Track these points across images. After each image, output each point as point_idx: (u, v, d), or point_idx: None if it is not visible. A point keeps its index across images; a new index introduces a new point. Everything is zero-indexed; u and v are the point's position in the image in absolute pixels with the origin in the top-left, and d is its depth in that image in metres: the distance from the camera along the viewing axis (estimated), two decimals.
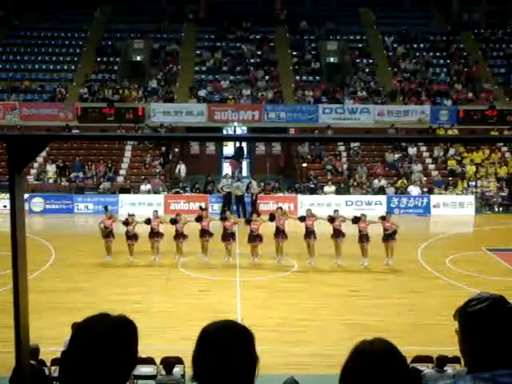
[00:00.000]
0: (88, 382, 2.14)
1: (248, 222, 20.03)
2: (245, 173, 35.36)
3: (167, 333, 13.29)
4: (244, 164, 36.73)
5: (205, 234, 19.48)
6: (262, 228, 19.62)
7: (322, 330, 13.55)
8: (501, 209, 29.09)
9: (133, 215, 20.03)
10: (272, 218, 19.57)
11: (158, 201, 28.08)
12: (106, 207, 21.15)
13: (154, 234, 19.56)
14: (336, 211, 20.03)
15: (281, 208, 20.93)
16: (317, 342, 12.87)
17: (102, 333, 2.16)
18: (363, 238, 18.94)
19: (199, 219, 19.68)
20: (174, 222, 19.50)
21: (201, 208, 22.20)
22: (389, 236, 18.85)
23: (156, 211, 20.77)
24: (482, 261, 19.89)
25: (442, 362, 9.39)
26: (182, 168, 31.33)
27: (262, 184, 29.55)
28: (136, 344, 2.24)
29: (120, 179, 30.77)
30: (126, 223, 19.53)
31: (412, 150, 32.16)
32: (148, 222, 19.62)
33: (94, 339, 2.15)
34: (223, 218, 20.06)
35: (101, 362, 2.12)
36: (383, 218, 19.19)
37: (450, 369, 9.37)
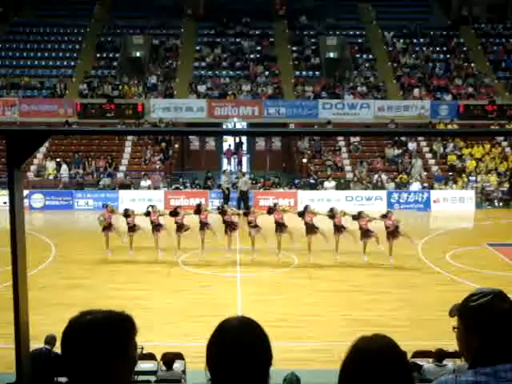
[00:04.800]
0: (86, 380, 2.13)
1: (246, 214, 20.08)
2: (245, 168, 35.38)
3: (168, 328, 13.29)
4: (244, 160, 36.76)
5: (203, 226, 19.51)
6: (262, 223, 19.62)
7: (323, 326, 13.55)
8: (501, 204, 29.09)
9: (132, 211, 20.12)
10: (271, 211, 19.59)
11: (158, 197, 28.09)
12: (106, 205, 21.14)
13: (155, 228, 19.62)
14: (332, 209, 19.84)
15: (278, 204, 20.97)
16: (317, 337, 12.87)
17: (94, 327, 2.15)
18: (363, 235, 18.91)
19: (198, 212, 19.69)
20: (173, 214, 19.54)
21: (199, 205, 22.15)
22: (391, 234, 18.75)
23: (154, 205, 20.77)
24: (482, 256, 19.89)
25: (441, 356, 9.39)
26: None
27: (253, 181, 29.63)
28: (132, 340, 2.23)
29: (120, 175, 30.77)
30: (126, 215, 19.61)
31: (412, 145, 32.15)
32: (148, 214, 19.72)
33: (85, 334, 2.14)
34: (221, 212, 20.07)
35: (95, 359, 2.11)
36: (385, 216, 19.10)
37: (449, 363, 9.38)
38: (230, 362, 2.18)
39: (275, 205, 20.59)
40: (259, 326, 2.31)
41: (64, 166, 30.38)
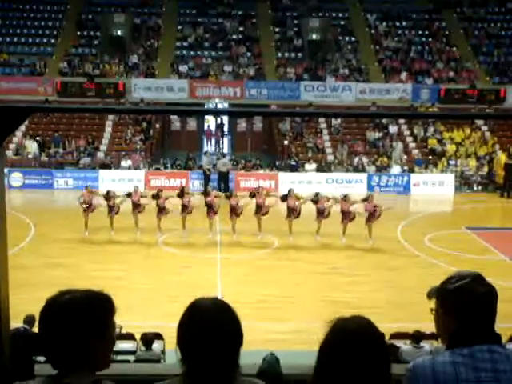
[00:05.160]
0: (64, 359, 2.14)
1: (228, 197, 20.04)
2: (226, 149, 35.32)
3: (147, 309, 13.30)
4: (225, 141, 36.67)
5: (185, 209, 19.50)
6: (245, 206, 19.66)
7: (302, 307, 13.64)
8: (480, 188, 29.33)
9: (113, 192, 20.08)
10: (253, 194, 19.64)
11: (139, 177, 27.97)
12: (86, 187, 21.09)
13: (135, 207, 19.61)
14: (318, 193, 20.05)
15: (261, 187, 21.01)
16: (296, 318, 12.96)
17: (72, 306, 2.15)
18: (345, 218, 19.03)
19: (181, 195, 19.67)
20: (155, 196, 19.50)
21: (182, 188, 22.13)
22: (370, 217, 18.92)
23: (137, 186, 20.88)
24: (460, 239, 20.08)
25: (418, 338, 9.51)
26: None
27: (234, 163, 29.63)
28: (110, 319, 2.23)
29: (100, 155, 30.57)
30: (107, 198, 19.54)
31: (393, 129, 32.24)
32: (129, 195, 19.70)
33: (63, 313, 2.14)
34: (205, 193, 20.09)
35: (72, 338, 2.11)
36: (365, 200, 19.24)
37: (426, 345, 9.49)
38: (201, 342, 2.19)
39: (259, 188, 20.63)
40: (231, 308, 2.32)
41: (34, 144, 29.96)
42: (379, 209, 19.01)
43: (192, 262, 17.27)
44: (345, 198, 19.22)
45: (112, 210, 19.51)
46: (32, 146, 30.10)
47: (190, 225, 19.59)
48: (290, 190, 20.05)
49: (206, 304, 2.29)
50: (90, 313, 2.15)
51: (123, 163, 29.08)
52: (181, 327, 2.27)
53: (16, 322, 8.23)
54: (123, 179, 27.60)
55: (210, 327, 2.20)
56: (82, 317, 2.13)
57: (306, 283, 15.42)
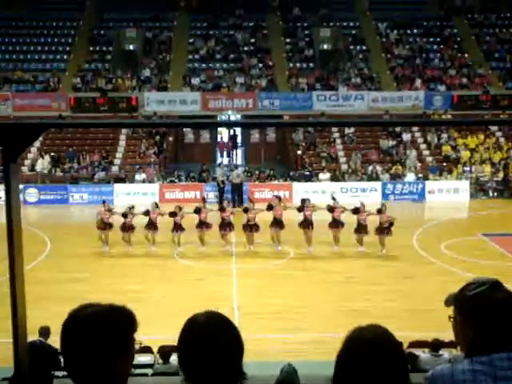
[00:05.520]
0: (86, 374, 2.13)
1: (245, 210, 19.94)
2: (240, 161, 35.36)
3: (164, 322, 13.29)
4: (239, 152, 36.70)
5: (202, 225, 19.46)
6: (259, 216, 19.63)
7: (319, 317, 13.59)
8: (495, 194, 29.15)
9: (132, 207, 20.07)
10: (270, 207, 19.54)
11: (153, 190, 28.06)
12: (103, 202, 21.15)
13: (151, 225, 19.55)
14: (334, 199, 20.04)
15: (279, 197, 20.89)
16: (314, 328, 12.91)
17: (96, 320, 2.14)
18: (361, 228, 18.97)
19: (198, 211, 19.64)
20: (173, 215, 19.47)
21: (203, 199, 22.23)
22: (383, 229, 18.82)
23: (156, 203, 20.72)
24: (477, 246, 19.96)
25: (437, 346, 9.44)
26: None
27: (248, 174, 29.66)
28: (133, 335, 2.22)
29: (114, 169, 30.72)
30: (125, 215, 19.55)
31: (406, 136, 32.15)
32: (147, 213, 19.64)
33: (86, 326, 2.13)
34: (221, 209, 20.00)
35: (96, 354, 2.10)
36: (379, 211, 19.12)
37: (445, 353, 9.42)
38: (199, 358, 2.17)
39: (279, 198, 20.44)
40: (226, 319, 2.29)
41: (45, 159, 30.13)
42: (390, 218, 18.89)
43: (207, 273, 17.27)
44: (357, 209, 19.10)
45: (127, 229, 19.48)
46: (46, 162, 30.29)
47: (206, 237, 19.60)
48: (305, 200, 20.02)
49: (200, 320, 2.26)
50: (114, 327, 2.14)
51: (137, 177, 29.20)
52: (179, 346, 2.26)
53: (31, 337, 8.25)
54: (138, 193, 27.70)
55: (207, 342, 2.18)
56: (106, 331, 2.12)
57: (322, 293, 15.37)
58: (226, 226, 19.39)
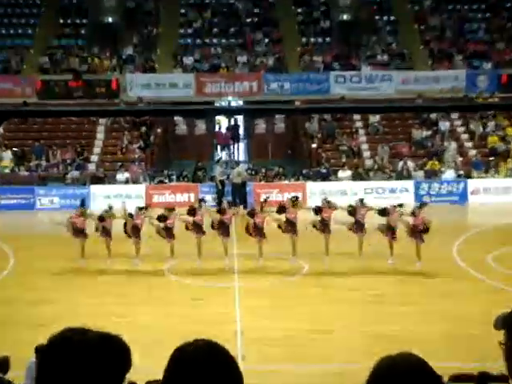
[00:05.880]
0: None
1: (251, 214, 19.86)
2: (242, 157, 35.37)
3: (153, 350, 13.29)
4: (241, 146, 36.71)
5: (197, 229, 19.40)
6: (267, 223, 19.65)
7: (339, 344, 13.57)
8: None
9: (110, 208, 20.07)
10: (282, 209, 19.48)
11: (138, 192, 28.10)
12: (82, 202, 21.14)
13: (136, 231, 19.51)
14: (362, 199, 20.05)
15: (296, 197, 20.91)
16: (332, 358, 12.89)
17: (85, 349, 2.11)
18: (391, 233, 18.92)
19: (192, 212, 19.55)
20: (162, 218, 19.41)
21: (201, 200, 22.10)
22: (419, 234, 18.73)
23: (141, 207, 20.68)
24: None
25: (484, 379, 9.40)
26: None
27: (252, 172, 29.70)
28: (126, 372, 2.20)
29: (91, 167, 30.77)
30: (102, 219, 19.55)
31: (444, 125, 32.14)
32: (131, 216, 19.62)
33: (74, 356, 2.09)
34: (221, 211, 19.92)
35: None
36: (413, 214, 19.04)
37: None
38: None
39: (297, 198, 20.47)
40: (218, 347, 2.27)
41: (7, 155, 30.27)
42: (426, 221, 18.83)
43: (205, 293, 17.26)
44: (388, 210, 19.10)
45: (108, 232, 19.51)
46: (8, 159, 30.36)
47: (203, 249, 19.63)
48: (323, 200, 20.02)
49: (188, 350, 2.24)
50: (107, 362, 2.12)
51: (119, 176, 29.24)
52: (163, 382, 2.23)
53: None
54: (120, 195, 27.66)
55: (196, 378, 2.16)
56: (97, 365, 2.09)
57: (343, 315, 15.35)
58: (227, 230, 19.36)
